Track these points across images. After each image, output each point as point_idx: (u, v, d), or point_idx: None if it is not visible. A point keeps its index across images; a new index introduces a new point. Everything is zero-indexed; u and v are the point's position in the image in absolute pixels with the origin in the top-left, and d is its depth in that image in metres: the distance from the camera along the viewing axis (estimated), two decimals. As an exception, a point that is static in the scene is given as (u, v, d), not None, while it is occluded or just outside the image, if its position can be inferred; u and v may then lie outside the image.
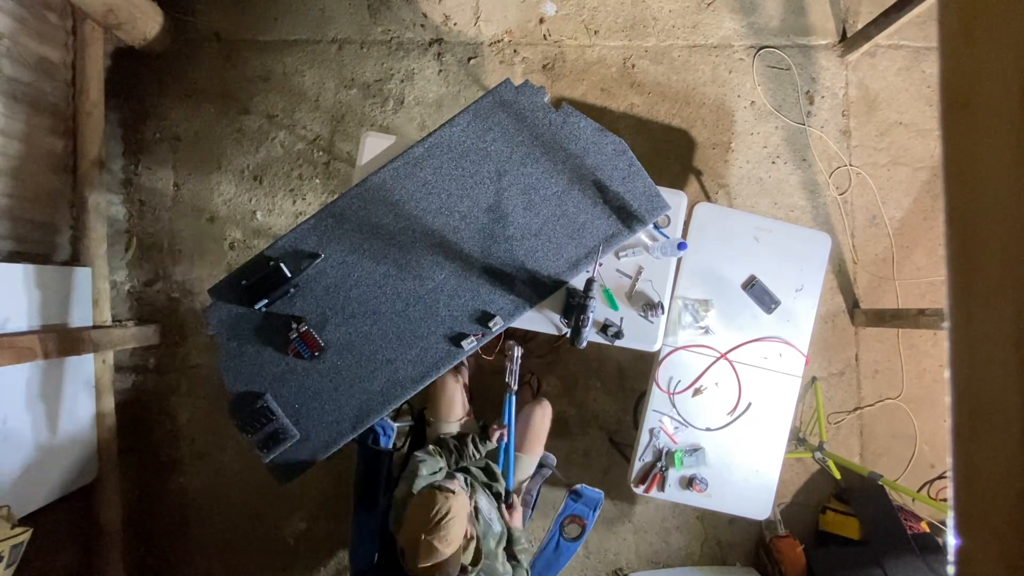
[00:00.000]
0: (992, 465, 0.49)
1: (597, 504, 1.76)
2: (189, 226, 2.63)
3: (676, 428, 1.90)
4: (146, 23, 2.45)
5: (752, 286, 1.90)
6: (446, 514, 1.27)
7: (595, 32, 2.62)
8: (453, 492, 1.34)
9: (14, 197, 2.09)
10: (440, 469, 1.64)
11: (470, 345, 1.76)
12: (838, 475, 2.30)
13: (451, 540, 1.27)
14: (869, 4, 2.59)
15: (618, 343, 1.81)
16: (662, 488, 1.90)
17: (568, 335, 1.69)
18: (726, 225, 1.92)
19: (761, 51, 2.62)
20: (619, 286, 1.84)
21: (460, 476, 1.59)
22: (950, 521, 0.51)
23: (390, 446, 1.77)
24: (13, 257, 2.08)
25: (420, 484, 1.51)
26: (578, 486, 1.79)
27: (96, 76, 2.37)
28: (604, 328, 1.81)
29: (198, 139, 2.63)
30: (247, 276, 1.70)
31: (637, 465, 1.91)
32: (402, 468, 1.89)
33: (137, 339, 2.52)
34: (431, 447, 1.69)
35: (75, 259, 2.35)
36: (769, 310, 1.91)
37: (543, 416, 1.92)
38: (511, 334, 2.33)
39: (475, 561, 1.39)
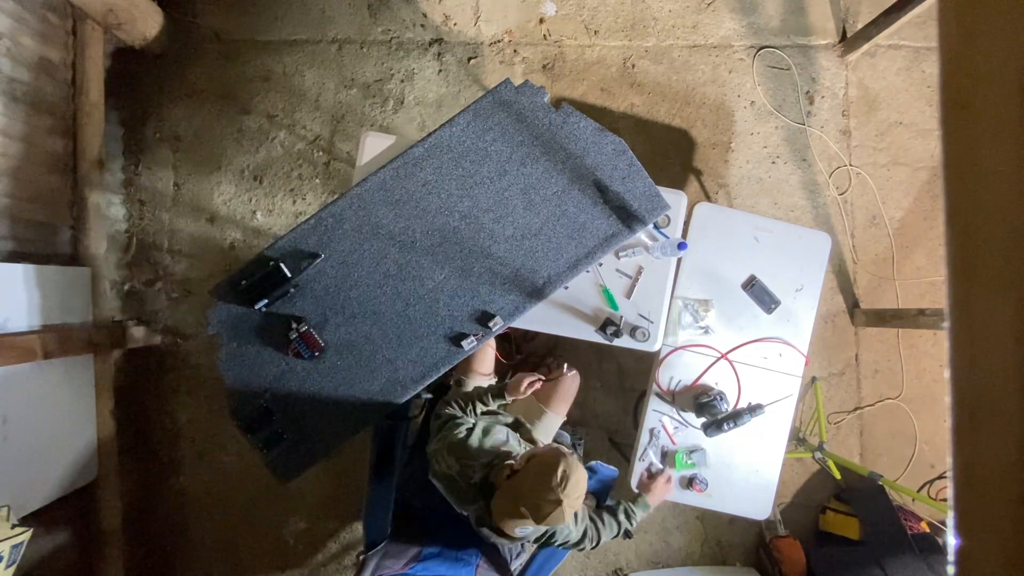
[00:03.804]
0: (992, 465, 0.49)
1: (611, 481, 1.75)
2: (189, 226, 2.63)
3: (676, 428, 1.90)
4: (146, 23, 2.45)
5: (752, 286, 1.90)
6: (583, 492, 1.35)
7: (595, 32, 2.62)
8: (587, 474, 1.40)
9: (14, 197, 2.09)
10: (462, 421, 1.61)
11: (470, 345, 1.76)
12: (838, 475, 2.30)
13: (571, 514, 1.34)
14: (869, 4, 2.59)
15: (616, 342, 1.81)
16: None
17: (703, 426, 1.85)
18: (726, 225, 1.92)
19: (761, 51, 2.62)
20: (619, 286, 1.84)
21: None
22: (950, 521, 0.51)
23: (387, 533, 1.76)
24: (13, 257, 2.08)
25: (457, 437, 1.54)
26: (593, 463, 1.78)
27: (96, 76, 2.37)
28: (603, 327, 1.81)
29: (198, 139, 2.63)
30: (247, 276, 1.70)
31: (637, 465, 1.91)
32: (421, 431, 1.93)
33: (137, 339, 2.52)
34: (451, 403, 1.66)
35: (75, 259, 2.35)
36: (769, 310, 1.91)
37: (572, 381, 1.91)
38: (508, 334, 2.34)
39: None
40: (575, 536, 1.55)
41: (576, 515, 1.51)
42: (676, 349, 1.90)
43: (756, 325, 1.91)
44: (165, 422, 2.62)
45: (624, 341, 1.82)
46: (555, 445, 1.46)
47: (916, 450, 2.57)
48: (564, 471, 1.30)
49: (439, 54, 2.62)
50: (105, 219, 2.47)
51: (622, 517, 1.68)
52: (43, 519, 2.16)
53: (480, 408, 1.66)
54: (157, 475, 2.61)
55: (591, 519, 1.60)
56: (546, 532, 1.47)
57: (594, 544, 1.60)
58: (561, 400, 1.83)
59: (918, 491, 2.22)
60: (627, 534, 2.05)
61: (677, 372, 1.91)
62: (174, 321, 2.61)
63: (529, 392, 1.67)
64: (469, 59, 2.63)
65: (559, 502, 1.28)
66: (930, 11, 2.24)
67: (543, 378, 1.68)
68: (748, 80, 2.61)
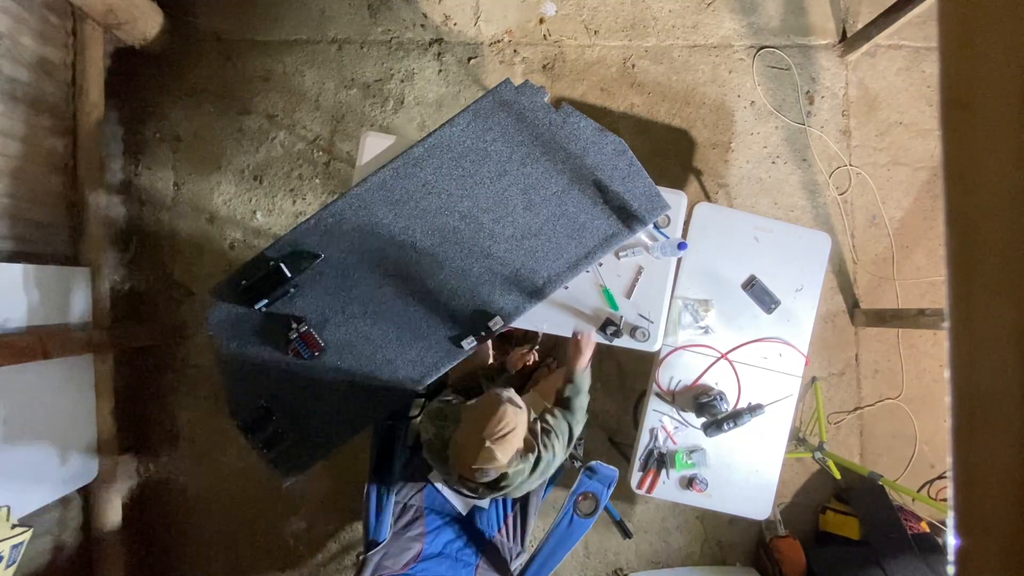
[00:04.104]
0: (992, 465, 0.49)
1: (612, 481, 1.75)
2: (189, 226, 2.63)
3: (676, 428, 1.90)
4: (146, 23, 2.45)
5: (752, 286, 1.90)
6: (512, 428, 1.35)
7: (595, 32, 2.62)
8: (520, 408, 1.40)
9: (14, 197, 2.09)
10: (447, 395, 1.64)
11: (470, 345, 1.76)
12: (838, 475, 2.30)
13: (508, 452, 1.35)
14: (869, 4, 2.59)
15: (616, 342, 1.81)
16: (662, 488, 1.90)
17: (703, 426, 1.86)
18: (726, 225, 1.92)
19: (761, 51, 2.62)
20: (619, 286, 1.84)
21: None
22: (950, 521, 0.51)
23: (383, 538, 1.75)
24: (13, 257, 2.08)
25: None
26: (593, 463, 1.78)
27: (96, 76, 2.37)
28: (603, 327, 1.81)
29: (198, 139, 2.63)
30: (247, 276, 1.70)
31: (637, 465, 1.91)
32: (419, 435, 1.92)
33: (137, 339, 2.52)
34: (449, 394, 1.67)
35: (75, 259, 2.35)
36: (769, 310, 1.91)
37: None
38: (510, 334, 2.34)
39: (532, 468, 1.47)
40: (535, 466, 1.50)
41: (519, 451, 1.44)
42: (676, 349, 1.90)
43: (756, 325, 1.91)
44: (165, 422, 2.62)
45: (624, 341, 1.82)
46: (494, 391, 1.43)
47: (916, 450, 2.57)
48: (496, 416, 1.34)
49: (439, 54, 2.62)
50: (105, 219, 2.47)
51: (568, 416, 1.61)
52: (43, 519, 2.17)
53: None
54: (157, 475, 2.61)
55: (542, 443, 1.53)
56: (506, 474, 1.42)
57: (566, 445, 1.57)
58: (582, 360, 1.81)
59: (918, 491, 2.22)
60: (627, 534, 2.05)
61: (677, 372, 1.91)
62: (174, 321, 2.61)
63: (523, 363, 1.69)
64: (469, 59, 2.63)
65: (483, 444, 1.31)
66: (930, 11, 2.24)
67: (536, 348, 1.69)
68: (748, 80, 2.61)
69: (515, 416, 1.37)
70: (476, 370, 1.76)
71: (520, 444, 1.39)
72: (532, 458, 1.45)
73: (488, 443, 1.31)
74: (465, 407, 1.46)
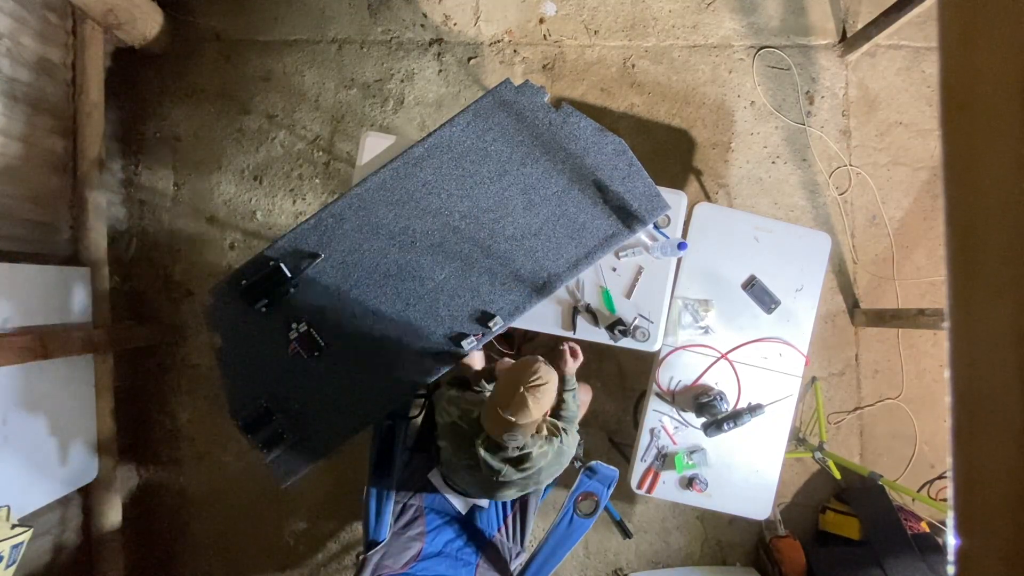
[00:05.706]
0: (992, 465, 0.49)
1: (612, 481, 1.75)
2: (189, 226, 2.63)
3: (676, 428, 1.90)
4: (146, 23, 2.45)
5: (752, 286, 1.90)
6: (546, 381, 1.40)
7: (595, 32, 2.62)
8: (552, 370, 1.45)
9: (14, 197, 2.09)
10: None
11: (470, 345, 1.76)
12: (838, 475, 2.30)
13: (542, 405, 1.39)
14: (869, 4, 2.59)
15: (618, 343, 1.81)
16: (662, 488, 1.90)
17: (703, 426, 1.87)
18: (726, 225, 1.92)
19: (761, 51, 2.62)
20: (619, 286, 1.84)
21: None
22: (950, 521, 0.51)
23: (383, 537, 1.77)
24: (13, 257, 2.08)
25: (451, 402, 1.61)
26: (593, 463, 1.78)
27: (96, 76, 2.36)
28: (611, 326, 1.81)
29: (198, 139, 2.63)
30: (247, 276, 1.70)
31: (637, 465, 1.91)
32: (421, 431, 1.98)
33: (137, 339, 2.52)
34: (453, 388, 1.72)
35: (75, 259, 2.34)
36: (769, 310, 1.91)
37: (585, 393, 1.97)
38: (511, 334, 2.34)
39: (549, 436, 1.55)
40: (560, 457, 1.58)
41: (547, 417, 1.52)
42: (676, 349, 1.90)
43: (756, 325, 1.91)
44: (165, 422, 2.62)
45: (624, 341, 1.82)
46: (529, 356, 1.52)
47: (916, 450, 2.57)
48: (531, 369, 1.40)
49: (439, 54, 2.62)
50: (105, 219, 2.47)
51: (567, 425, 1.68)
52: (43, 519, 2.16)
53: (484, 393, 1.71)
54: (157, 475, 2.61)
55: (556, 438, 1.60)
56: (531, 454, 1.49)
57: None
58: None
59: (918, 491, 2.22)
60: (627, 534, 2.05)
61: (677, 372, 1.91)
62: (174, 321, 2.61)
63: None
64: (469, 59, 2.63)
65: (518, 390, 1.36)
66: (930, 11, 2.24)
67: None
68: (748, 80, 2.61)
69: (548, 372, 1.41)
70: (466, 374, 1.78)
71: (551, 403, 1.43)
72: (556, 443, 1.50)
73: (523, 390, 1.35)
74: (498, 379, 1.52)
